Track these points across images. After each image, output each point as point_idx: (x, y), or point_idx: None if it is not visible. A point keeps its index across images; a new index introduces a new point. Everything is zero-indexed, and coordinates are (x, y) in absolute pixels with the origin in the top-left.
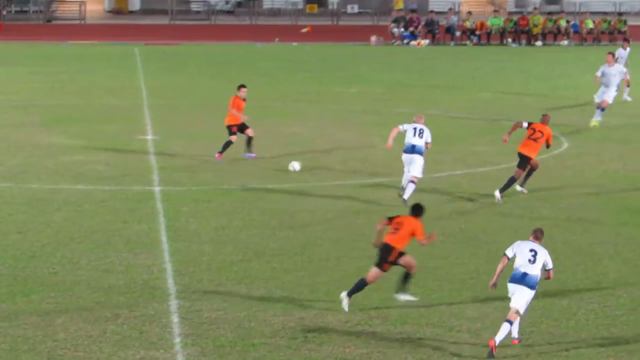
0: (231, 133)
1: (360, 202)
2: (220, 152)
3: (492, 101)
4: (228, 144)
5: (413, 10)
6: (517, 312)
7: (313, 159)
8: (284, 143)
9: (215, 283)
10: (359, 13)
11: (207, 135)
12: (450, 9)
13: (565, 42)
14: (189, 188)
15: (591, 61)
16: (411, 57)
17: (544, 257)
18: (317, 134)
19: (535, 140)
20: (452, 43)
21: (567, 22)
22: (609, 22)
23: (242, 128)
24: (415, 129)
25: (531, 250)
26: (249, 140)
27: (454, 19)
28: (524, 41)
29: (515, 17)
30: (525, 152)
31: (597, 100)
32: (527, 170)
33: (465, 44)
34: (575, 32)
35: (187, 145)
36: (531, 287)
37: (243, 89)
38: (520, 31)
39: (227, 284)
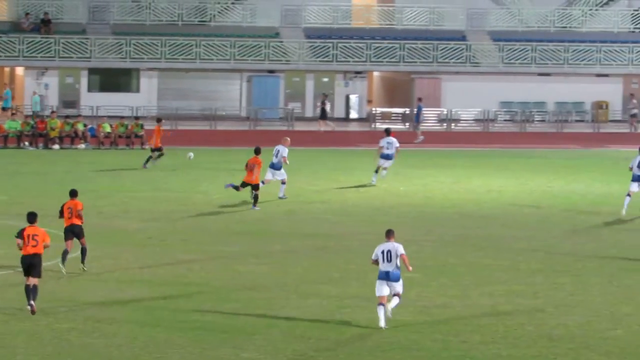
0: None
1: None
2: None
3: (9, 204)
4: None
5: None
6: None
7: None
8: None
9: None
10: None
11: None
12: None
13: (83, 146)
14: None
15: (108, 165)
16: None
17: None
18: None
19: None
20: None
21: (85, 125)
22: (126, 126)
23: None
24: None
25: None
26: None
27: None
28: (41, 144)
29: (32, 121)
30: None
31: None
32: None
33: None
34: (93, 135)
35: None
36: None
37: None
38: (37, 134)
39: None
